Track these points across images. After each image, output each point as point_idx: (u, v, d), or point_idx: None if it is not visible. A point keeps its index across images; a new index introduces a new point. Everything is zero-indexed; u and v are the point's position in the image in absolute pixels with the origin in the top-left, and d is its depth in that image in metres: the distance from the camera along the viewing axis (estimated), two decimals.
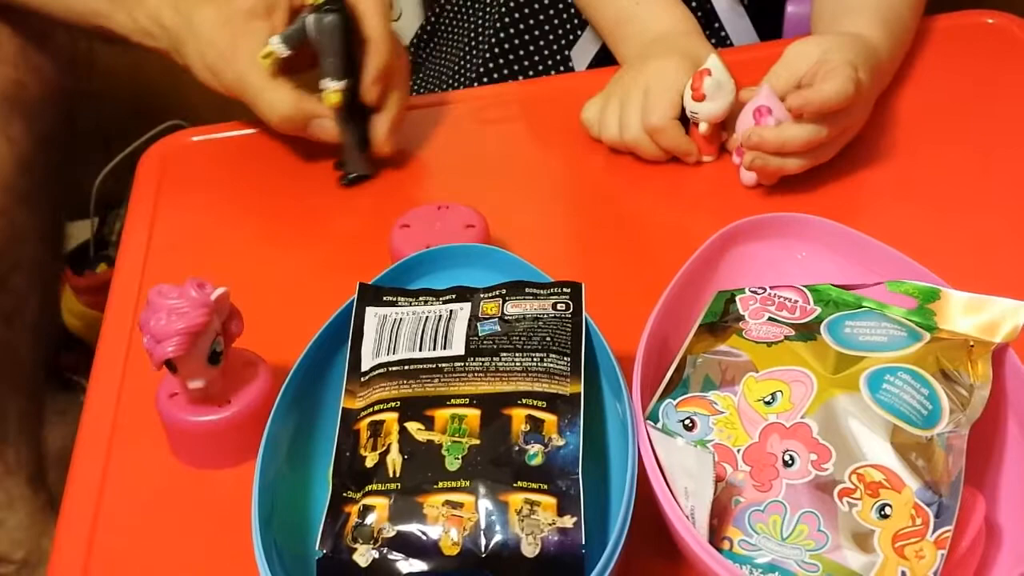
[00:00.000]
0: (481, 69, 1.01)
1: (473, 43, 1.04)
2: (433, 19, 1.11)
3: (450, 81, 1.05)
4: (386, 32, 0.77)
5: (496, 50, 1.00)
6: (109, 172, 1.73)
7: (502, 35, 1.00)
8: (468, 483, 0.48)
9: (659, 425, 0.52)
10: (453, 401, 0.52)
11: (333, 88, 0.77)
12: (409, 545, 0.47)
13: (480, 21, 1.04)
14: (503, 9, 1.00)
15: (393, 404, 0.52)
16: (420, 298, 0.58)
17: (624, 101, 0.79)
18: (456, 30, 1.08)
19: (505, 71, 1.00)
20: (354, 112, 0.79)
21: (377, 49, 0.77)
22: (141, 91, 1.78)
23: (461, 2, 1.07)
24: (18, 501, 1.03)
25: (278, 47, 0.76)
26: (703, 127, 0.78)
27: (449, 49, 1.08)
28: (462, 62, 1.04)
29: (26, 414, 1.03)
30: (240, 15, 0.77)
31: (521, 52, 1.00)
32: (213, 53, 0.77)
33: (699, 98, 0.76)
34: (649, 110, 0.77)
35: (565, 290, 0.57)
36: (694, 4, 0.91)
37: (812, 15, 0.88)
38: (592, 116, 0.82)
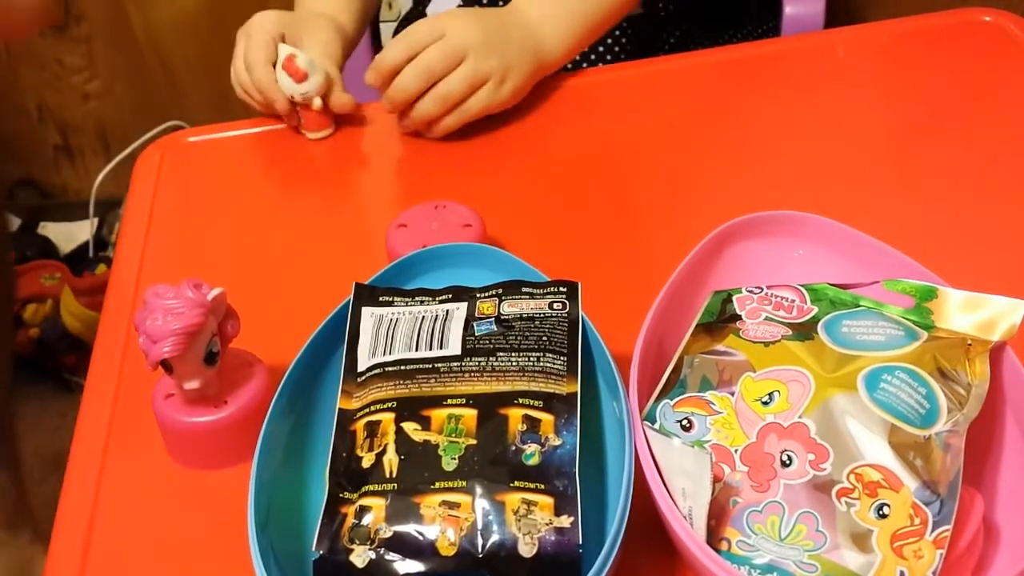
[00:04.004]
0: None
1: None
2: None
3: None
4: None
5: None
6: (109, 173, 1.73)
7: None
8: (465, 483, 0.48)
9: (656, 425, 0.52)
10: (450, 401, 0.52)
11: None
12: (406, 546, 0.47)
13: None
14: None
15: (389, 404, 0.52)
16: (416, 298, 0.58)
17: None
18: None
19: None
20: None
21: None
22: (141, 92, 1.78)
23: None
24: None
25: None
26: (317, 103, 0.84)
27: None
28: None
29: None
30: None
31: None
32: None
33: (301, 78, 0.82)
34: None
35: (562, 289, 0.57)
36: None
37: None
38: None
